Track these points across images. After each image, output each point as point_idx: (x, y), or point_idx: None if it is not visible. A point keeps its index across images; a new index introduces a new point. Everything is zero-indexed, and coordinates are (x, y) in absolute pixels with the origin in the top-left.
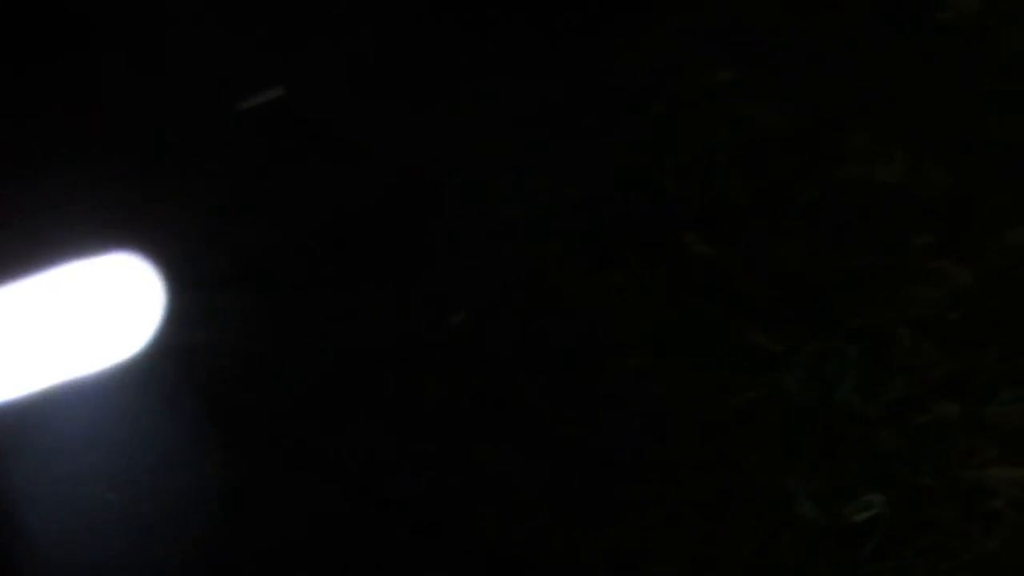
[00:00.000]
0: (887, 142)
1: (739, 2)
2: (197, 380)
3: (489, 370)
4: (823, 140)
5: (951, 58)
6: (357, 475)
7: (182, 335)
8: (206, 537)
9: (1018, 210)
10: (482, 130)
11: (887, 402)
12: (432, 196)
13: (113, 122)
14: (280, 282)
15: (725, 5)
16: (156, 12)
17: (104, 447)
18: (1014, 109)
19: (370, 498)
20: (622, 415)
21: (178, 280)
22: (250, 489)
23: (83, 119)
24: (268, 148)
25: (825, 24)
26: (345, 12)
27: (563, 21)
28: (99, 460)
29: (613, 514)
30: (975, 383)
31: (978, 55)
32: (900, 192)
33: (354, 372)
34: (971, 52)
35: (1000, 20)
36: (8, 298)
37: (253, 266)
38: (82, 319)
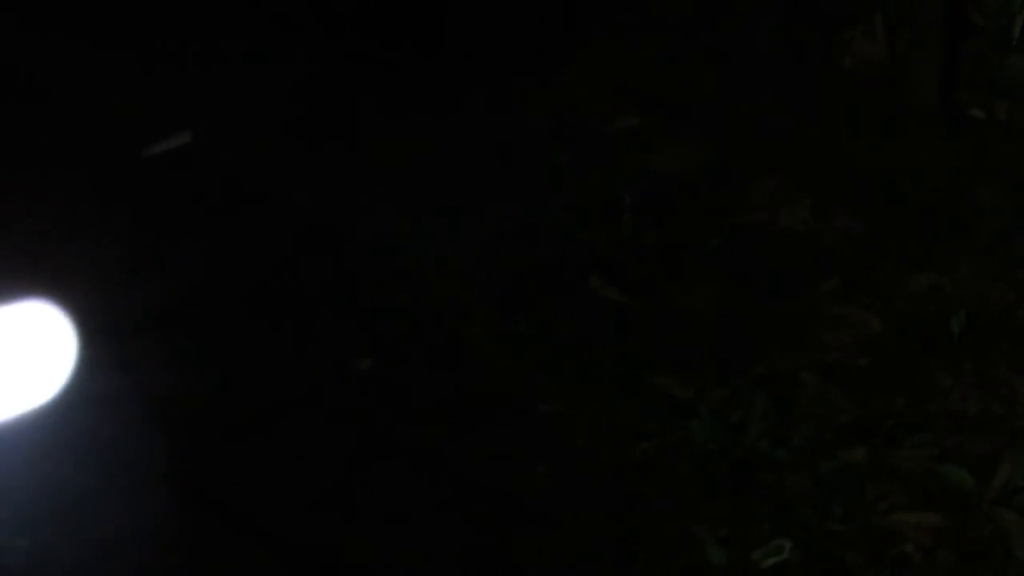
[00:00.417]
0: (793, 188)
1: (644, 48)
2: (110, 428)
3: (396, 416)
4: (729, 185)
5: (856, 105)
6: (265, 524)
7: (95, 382)
8: None
9: (923, 256)
10: (383, 175)
11: (795, 448)
12: (334, 243)
13: (20, 167)
14: (193, 329)
15: (628, 52)
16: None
17: (14, 495)
18: (916, 156)
19: (278, 546)
20: (528, 462)
21: (91, 327)
22: (161, 536)
23: None
24: (176, 194)
25: (731, 70)
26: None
27: (468, 67)
28: (9, 508)
29: (518, 563)
30: (883, 428)
31: (884, 103)
32: (806, 238)
33: (264, 419)
34: (877, 100)
35: (904, 70)
36: None
37: (167, 313)
38: None
